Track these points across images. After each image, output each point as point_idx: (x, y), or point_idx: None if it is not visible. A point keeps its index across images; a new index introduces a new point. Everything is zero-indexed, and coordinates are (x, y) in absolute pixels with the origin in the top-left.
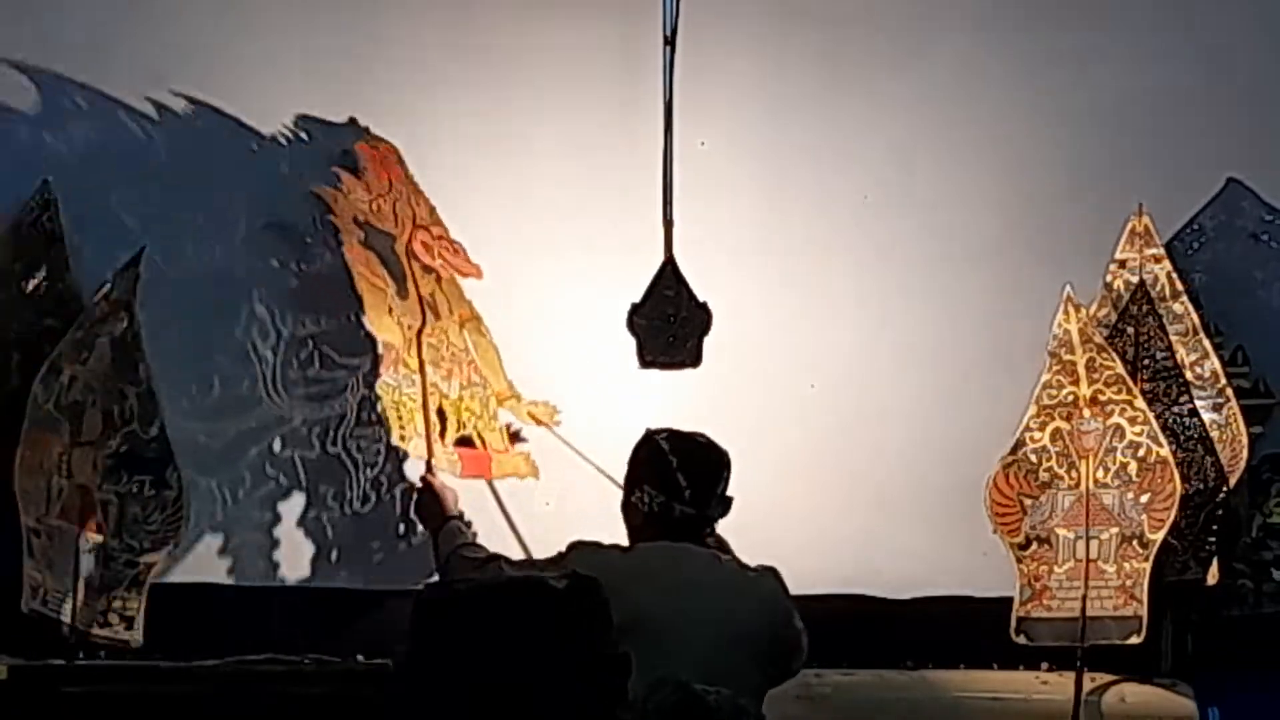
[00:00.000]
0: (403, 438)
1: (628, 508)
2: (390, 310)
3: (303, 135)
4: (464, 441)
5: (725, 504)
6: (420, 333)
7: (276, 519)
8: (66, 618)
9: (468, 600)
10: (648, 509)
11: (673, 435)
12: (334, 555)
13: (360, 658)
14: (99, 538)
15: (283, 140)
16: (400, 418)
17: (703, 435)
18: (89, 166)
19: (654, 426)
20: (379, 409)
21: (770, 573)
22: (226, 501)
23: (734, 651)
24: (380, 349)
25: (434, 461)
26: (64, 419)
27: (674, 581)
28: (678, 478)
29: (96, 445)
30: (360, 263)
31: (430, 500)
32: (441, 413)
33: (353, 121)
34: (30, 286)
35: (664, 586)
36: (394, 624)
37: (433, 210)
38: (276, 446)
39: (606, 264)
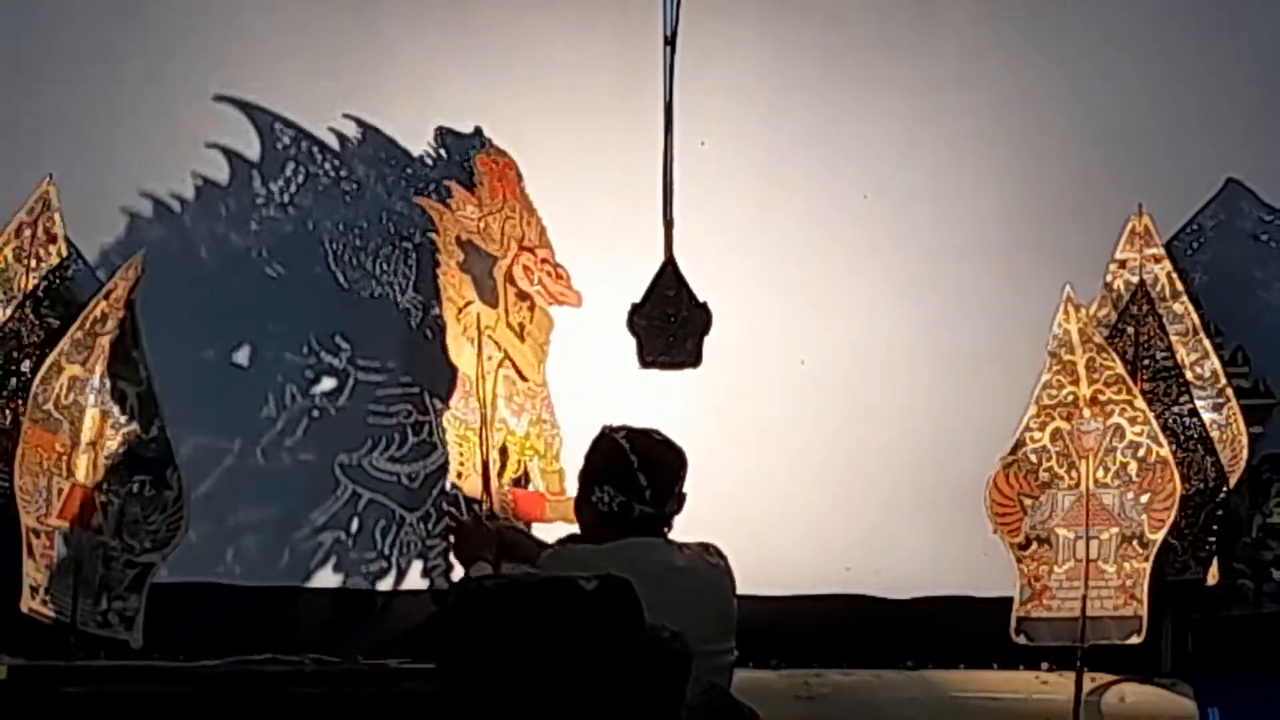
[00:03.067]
0: (460, 474)
1: (583, 505)
2: (471, 340)
3: (443, 153)
4: (519, 481)
5: (680, 501)
6: (500, 364)
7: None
8: (66, 618)
9: (499, 596)
10: (607, 508)
11: (631, 434)
12: None
13: (360, 658)
14: (99, 538)
15: (429, 160)
16: (462, 453)
17: (659, 433)
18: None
19: (612, 424)
20: (443, 441)
21: (718, 552)
22: (424, 532)
23: (720, 635)
24: (456, 378)
25: (485, 501)
26: (64, 419)
27: (658, 571)
28: (638, 477)
29: (96, 445)
30: (452, 286)
31: (467, 541)
32: (504, 450)
33: (478, 131)
34: (30, 286)
35: (650, 577)
36: (394, 624)
37: (543, 232)
38: (447, 485)
39: (606, 264)
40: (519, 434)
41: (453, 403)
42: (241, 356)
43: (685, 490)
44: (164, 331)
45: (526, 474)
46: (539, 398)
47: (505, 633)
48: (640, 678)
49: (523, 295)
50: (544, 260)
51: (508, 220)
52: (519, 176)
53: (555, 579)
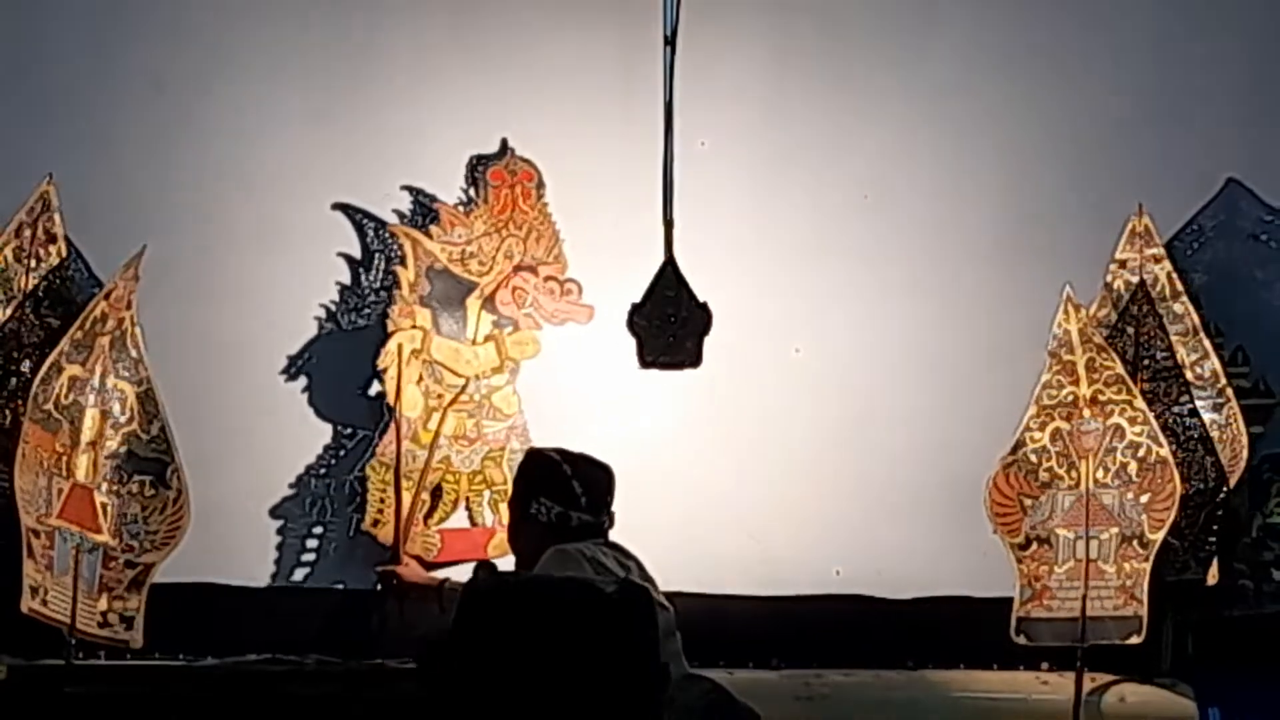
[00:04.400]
0: (376, 522)
1: (521, 525)
2: (420, 378)
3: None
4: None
5: (611, 518)
6: (452, 403)
7: None
8: (66, 618)
9: (517, 593)
10: (546, 519)
11: (561, 450)
12: None
13: (360, 658)
14: (99, 538)
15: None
16: (382, 500)
17: (585, 453)
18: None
19: (538, 446)
20: (366, 488)
21: None
22: None
23: (675, 634)
24: (390, 422)
25: (404, 547)
26: (64, 419)
27: (638, 568)
28: (573, 486)
29: (96, 445)
30: (407, 324)
31: (403, 586)
32: (438, 490)
33: (503, 144)
34: (30, 286)
35: (637, 574)
36: (394, 624)
37: (553, 248)
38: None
39: (606, 264)
40: (465, 470)
41: (379, 449)
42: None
43: (614, 510)
44: None
45: (470, 512)
46: (507, 428)
47: (519, 631)
48: (651, 684)
49: (502, 321)
50: (548, 278)
51: (507, 239)
52: (540, 186)
53: (572, 579)
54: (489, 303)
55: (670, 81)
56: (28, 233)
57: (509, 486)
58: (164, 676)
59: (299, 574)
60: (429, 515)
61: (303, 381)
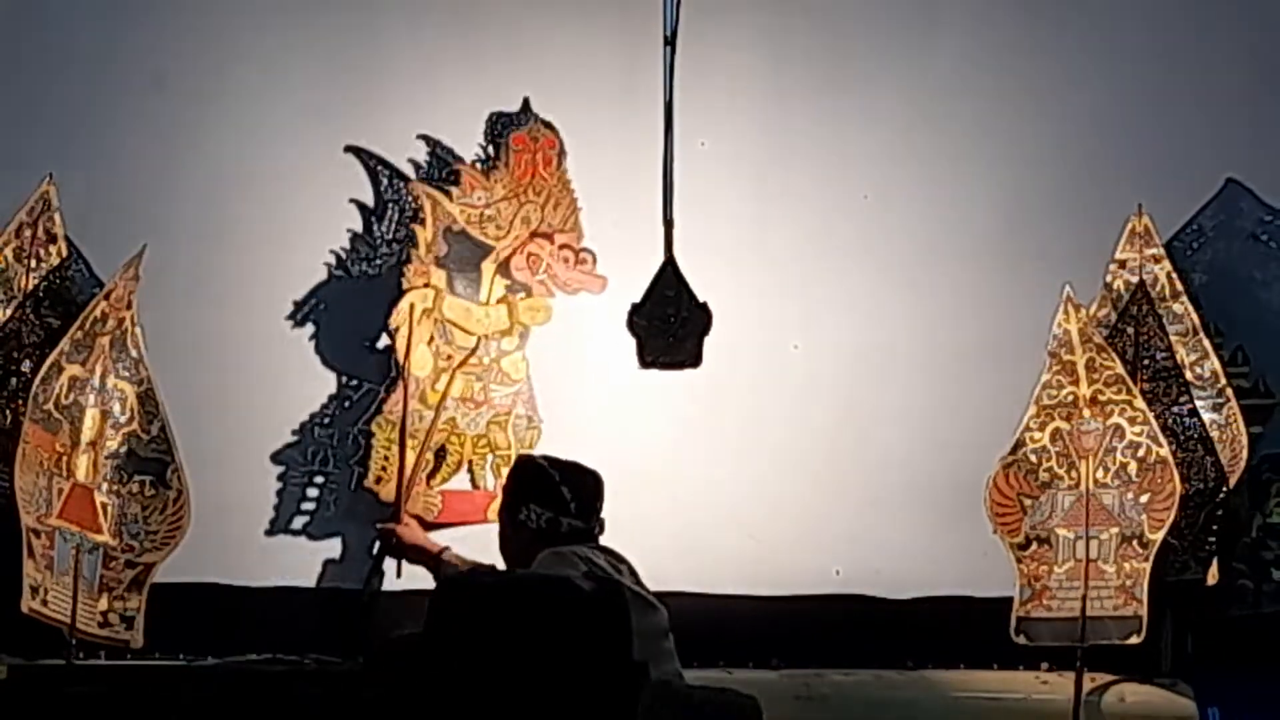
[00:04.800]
0: (379, 479)
1: (513, 530)
2: (431, 339)
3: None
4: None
5: (601, 524)
6: (461, 365)
7: None
8: (66, 618)
9: (489, 588)
10: (536, 525)
11: (548, 457)
12: None
13: (360, 658)
14: (99, 538)
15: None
16: (386, 459)
17: (574, 460)
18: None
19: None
20: (371, 444)
21: None
22: None
23: (668, 634)
24: (398, 380)
25: (405, 506)
26: (64, 419)
27: (628, 570)
28: (562, 492)
29: (96, 445)
30: (421, 283)
31: (401, 546)
32: (442, 451)
33: (525, 103)
34: (30, 286)
35: (628, 575)
36: (395, 624)
37: (569, 216)
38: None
39: (606, 264)
40: (470, 433)
41: (386, 407)
42: None
43: (604, 516)
44: None
45: (473, 474)
46: (514, 393)
47: (490, 625)
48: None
49: (515, 287)
50: (563, 246)
51: (526, 204)
52: (561, 154)
53: (546, 577)
54: (504, 267)
55: (670, 81)
56: (28, 233)
57: (512, 451)
58: (164, 676)
59: (298, 522)
60: (431, 475)
61: (310, 328)
